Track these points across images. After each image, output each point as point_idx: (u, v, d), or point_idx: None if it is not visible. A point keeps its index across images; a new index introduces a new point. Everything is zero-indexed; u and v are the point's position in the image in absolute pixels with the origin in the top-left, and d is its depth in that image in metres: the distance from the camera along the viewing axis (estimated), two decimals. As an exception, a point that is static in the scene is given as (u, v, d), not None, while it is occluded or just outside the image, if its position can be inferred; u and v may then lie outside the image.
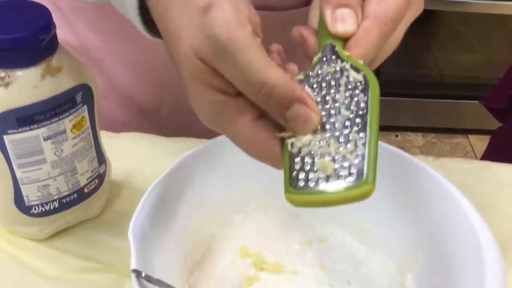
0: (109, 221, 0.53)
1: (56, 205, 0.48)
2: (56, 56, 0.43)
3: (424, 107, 1.95)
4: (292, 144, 0.34)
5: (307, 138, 0.33)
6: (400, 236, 0.48)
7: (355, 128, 0.32)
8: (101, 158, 0.51)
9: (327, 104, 0.34)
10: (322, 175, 0.32)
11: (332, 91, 0.34)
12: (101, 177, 0.51)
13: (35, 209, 0.48)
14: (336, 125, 0.33)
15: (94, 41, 0.63)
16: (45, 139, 0.44)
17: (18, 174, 0.45)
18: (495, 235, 0.41)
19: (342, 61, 0.35)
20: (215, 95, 0.33)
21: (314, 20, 0.39)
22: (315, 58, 0.37)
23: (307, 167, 0.33)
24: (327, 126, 0.33)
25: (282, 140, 0.34)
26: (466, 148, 1.96)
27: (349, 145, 0.32)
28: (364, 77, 0.34)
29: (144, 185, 0.43)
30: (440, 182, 0.45)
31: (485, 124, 1.81)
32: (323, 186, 0.32)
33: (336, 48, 0.36)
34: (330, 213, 0.51)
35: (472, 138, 1.99)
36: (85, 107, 0.46)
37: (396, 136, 1.98)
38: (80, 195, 0.50)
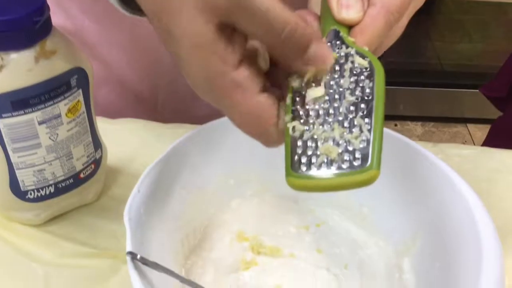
0: (105, 207, 0.53)
1: (52, 190, 0.48)
2: (50, 39, 0.43)
3: (423, 96, 1.95)
4: (294, 128, 0.33)
5: (311, 123, 0.33)
6: (398, 221, 0.47)
7: (360, 114, 0.32)
8: (97, 143, 0.50)
9: (331, 88, 0.34)
10: (325, 160, 0.31)
11: (336, 76, 0.34)
12: (97, 163, 0.51)
13: (30, 194, 0.48)
14: (340, 110, 0.33)
15: (88, 26, 0.63)
16: (40, 123, 0.44)
17: (13, 158, 0.45)
18: (493, 220, 0.40)
19: (347, 47, 0.35)
20: (216, 65, 0.32)
21: (314, 4, 0.39)
22: None
23: (310, 152, 0.32)
24: (331, 111, 0.33)
25: (278, 117, 0.34)
26: (465, 137, 1.96)
27: (354, 130, 0.32)
28: (370, 63, 0.34)
29: (140, 171, 0.43)
30: (440, 167, 0.45)
31: (484, 113, 1.82)
32: (326, 170, 0.31)
33: (341, 34, 0.35)
34: (327, 197, 0.50)
35: (471, 127, 1.99)
36: (80, 91, 0.46)
37: (395, 125, 1.98)
38: (76, 180, 0.49)
